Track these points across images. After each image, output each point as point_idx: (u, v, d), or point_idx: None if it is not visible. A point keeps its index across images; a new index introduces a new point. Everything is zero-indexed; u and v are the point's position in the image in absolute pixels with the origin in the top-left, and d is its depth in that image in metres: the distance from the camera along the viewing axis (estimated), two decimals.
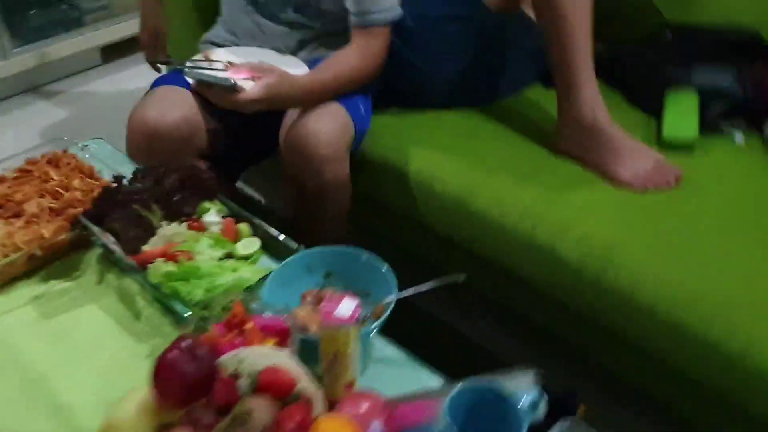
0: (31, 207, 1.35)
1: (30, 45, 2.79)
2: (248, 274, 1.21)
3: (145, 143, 1.55)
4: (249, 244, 1.30)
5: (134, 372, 0.97)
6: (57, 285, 1.28)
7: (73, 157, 1.48)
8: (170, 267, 1.19)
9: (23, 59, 2.76)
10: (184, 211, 1.31)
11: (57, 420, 1.00)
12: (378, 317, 1.04)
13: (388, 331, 1.09)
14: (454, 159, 1.65)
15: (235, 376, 0.79)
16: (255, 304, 1.04)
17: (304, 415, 0.76)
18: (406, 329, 1.09)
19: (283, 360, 0.87)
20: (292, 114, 1.59)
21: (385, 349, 1.11)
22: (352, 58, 1.60)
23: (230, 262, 1.24)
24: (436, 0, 1.74)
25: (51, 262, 1.31)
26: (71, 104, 2.83)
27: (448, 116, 1.79)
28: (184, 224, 1.29)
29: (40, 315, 1.22)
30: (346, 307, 0.98)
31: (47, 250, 1.29)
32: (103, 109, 2.78)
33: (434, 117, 1.79)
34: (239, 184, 2.12)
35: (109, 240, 1.24)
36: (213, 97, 1.53)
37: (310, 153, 1.52)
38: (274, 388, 0.78)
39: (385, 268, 1.17)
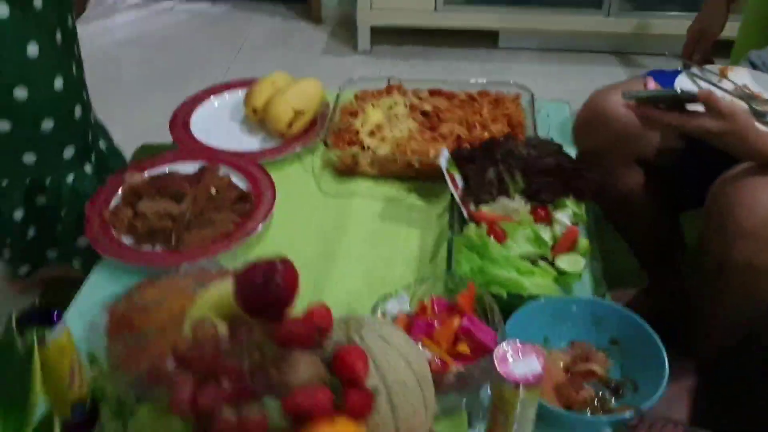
0: (447, 127, 1.42)
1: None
2: (534, 288, 1.07)
3: (589, 117, 1.45)
4: (573, 262, 1.14)
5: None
6: (395, 193, 1.36)
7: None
8: (481, 233, 1.13)
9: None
10: (541, 194, 1.21)
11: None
12: None
13: None
14: None
15: (324, 332, 0.73)
16: None
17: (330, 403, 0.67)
18: None
19: (399, 353, 0.77)
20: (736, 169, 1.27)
21: None
22: None
23: (535, 266, 1.12)
24: None
25: (415, 178, 1.37)
26: None
27: None
28: (529, 206, 1.20)
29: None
30: (532, 363, 0.80)
31: (423, 165, 1.34)
32: None
33: None
34: None
35: (457, 178, 1.23)
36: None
37: (735, 227, 1.21)
38: (343, 366, 0.70)
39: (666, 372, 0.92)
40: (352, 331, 0.77)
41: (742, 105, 1.24)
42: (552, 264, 1.15)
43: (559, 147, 1.29)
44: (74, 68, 1.42)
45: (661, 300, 1.73)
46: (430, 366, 0.90)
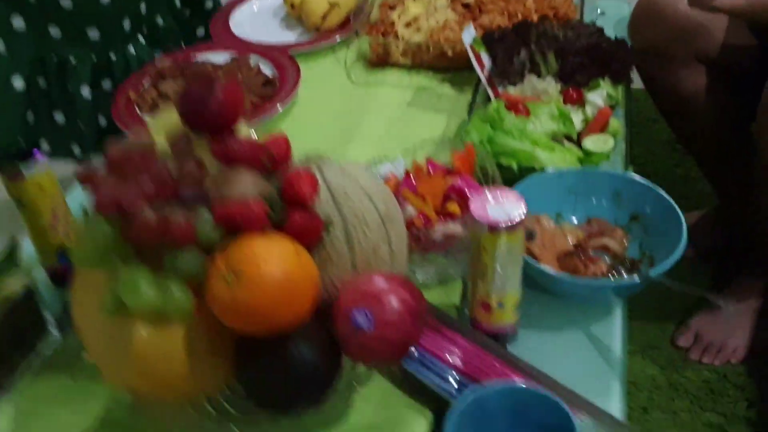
0: (488, 17, 1.34)
1: None
2: (551, 163, 0.98)
3: (645, 10, 1.34)
4: (601, 143, 1.04)
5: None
6: (425, 83, 1.30)
7: None
8: (500, 107, 1.04)
9: None
10: (575, 76, 1.11)
11: None
12: None
13: None
14: None
15: (275, 158, 0.67)
16: None
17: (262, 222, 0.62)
18: None
19: (361, 188, 0.71)
20: None
21: None
22: None
23: (558, 144, 1.03)
24: None
25: (448, 68, 1.29)
26: None
27: None
28: (559, 85, 1.10)
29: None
30: (512, 208, 0.72)
31: (456, 54, 1.26)
32: None
33: None
34: None
35: (484, 59, 1.14)
36: None
37: None
38: (289, 187, 0.65)
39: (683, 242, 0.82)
40: (313, 165, 0.72)
41: None
42: (579, 146, 1.05)
43: (600, 29, 1.18)
44: None
45: (731, 220, 1.59)
46: (413, 223, 0.84)
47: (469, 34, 1.14)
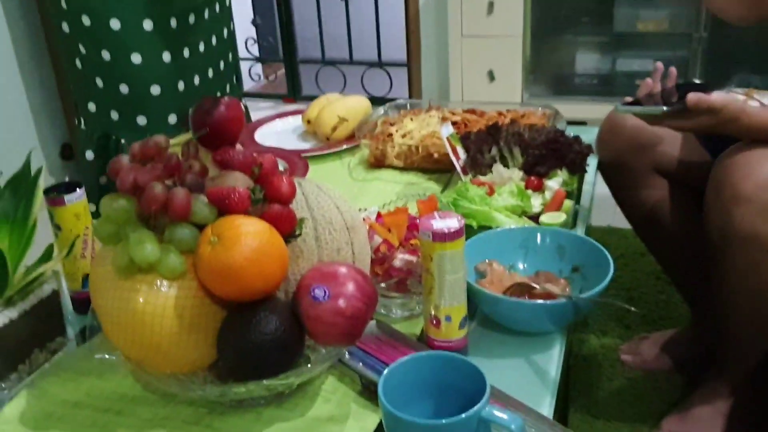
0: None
1: None
2: (507, 223, 1.15)
3: (607, 127, 1.53)
4: (555, 217, 1.21)
5: None
6: (414, 179, 1.50)
7: None
8: (467, 183, 1.23)
9: None
10: (536, 168, 1.30)
11: None
12: None
13: None
14: None
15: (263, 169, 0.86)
16: None
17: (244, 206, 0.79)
18: None
19: (331, 200, 0.88)
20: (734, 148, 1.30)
21: None
22: None
23: (515, 216, 1.20)
24: None
25: (435, 170, 1.50)
26: None
27: None
28: (522, 175, 1.29)
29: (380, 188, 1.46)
30: (453, 222, 0.87)
31: (442, 156, 1.47)
32: None
33: None
34: None
35: (460, 152, 1.35)
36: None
37: (732, 191, 1.22)
38: (270, 184, 0.83)
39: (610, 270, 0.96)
40: (294, 179, 0.90)
41: (736, 96, 1.28)
42: (537, 223, 1.22)
43: (560, 130, 1.38)
44: (186, 51, 1.70)
45: (705, 332, 1.68)
46: (379, 249, 1.00)
47: (446, 129, 1.36)
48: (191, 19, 1.71)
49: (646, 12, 2.71)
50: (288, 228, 0.84)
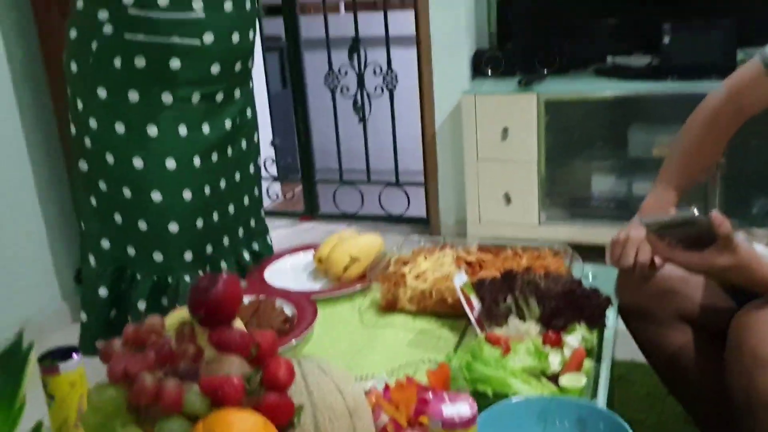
0: (486, 273, 1.52)
1: None
2: (524, 391, 1.08)
3: (629, 272, 1.48)
4: (575, 380, 1.14)
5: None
6: (427, 326, 1.45)
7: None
8: (481, 341, 1.17)
9: None
10: (553, 321, 1.25)
11: None
12: None
13: None
14: None
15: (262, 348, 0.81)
16: None
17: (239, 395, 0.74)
18: None
19: (333, 383, 0.83)
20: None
21: None
22: None
23: (533, 378, 1.13)
24: None
25: (450, 315, 1.45)
26: None
27: None
28: (539, 328, 1.24)
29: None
30: (461, 408, 0.81)
31: (456, 301, 1.42)
32: None
33: None
34: None
35: (474, 302, 1.30)
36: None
37: (752, 354, 1.18)
38: (267, 372, 0.78)
39: None
40: (293, 360, 0.85)
41: (741, 236, 1.25)
42: (556, 383, 1.15)
43: (577, 280, 1.33)
44: (207, 189, 1.70)
45: None
46: (386, 429, 0.94)
47: (460, 279, 1.31)
48: (214, 157, 1.72)
49: (661, 137, 2.70)
50: (284, 419, 0.78)
